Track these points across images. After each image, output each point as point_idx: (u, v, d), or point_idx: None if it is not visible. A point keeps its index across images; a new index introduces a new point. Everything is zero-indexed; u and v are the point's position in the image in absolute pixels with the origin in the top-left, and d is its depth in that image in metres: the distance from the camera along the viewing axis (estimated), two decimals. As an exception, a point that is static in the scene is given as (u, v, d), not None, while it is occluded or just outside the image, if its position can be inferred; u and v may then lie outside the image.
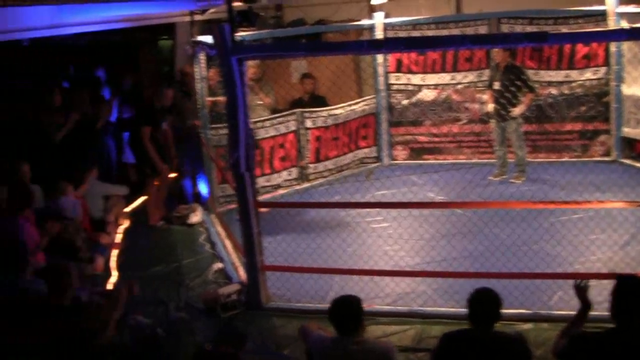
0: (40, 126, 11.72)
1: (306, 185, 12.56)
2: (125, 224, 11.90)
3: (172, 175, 12.57)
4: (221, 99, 11.09)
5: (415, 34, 12.80)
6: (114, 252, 10.62)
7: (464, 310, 5.56)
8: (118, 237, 11.31)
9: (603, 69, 12.64)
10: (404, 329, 7.62)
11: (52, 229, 9.44)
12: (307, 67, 13.21)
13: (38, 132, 11.68)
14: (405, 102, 13.41)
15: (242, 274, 9.02)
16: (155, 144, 11.48)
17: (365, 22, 12.88)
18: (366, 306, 6.99)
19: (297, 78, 13.28)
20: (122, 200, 12.05)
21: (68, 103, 12.37)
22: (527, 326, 7.35)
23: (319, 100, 12.84)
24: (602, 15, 12.21)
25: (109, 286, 9.07)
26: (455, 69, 13.12)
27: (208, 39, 9.50)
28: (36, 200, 9.76)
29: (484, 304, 5.57)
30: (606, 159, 12.89)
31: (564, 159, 12.97)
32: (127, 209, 12.31)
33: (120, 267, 10.09)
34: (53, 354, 6.25)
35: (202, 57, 11.25)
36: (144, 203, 12.44)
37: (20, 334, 7.05)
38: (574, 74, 12.79)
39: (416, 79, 13.28)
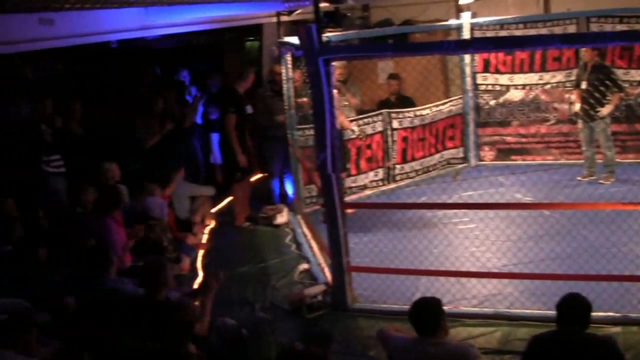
0: (135, 130, 11.89)
1: (392, 186, 12.51)
2: (212, 224, 12.01)
3: (259, 175, 12.66)
4: (306, 99, 11.18)
5: (503, 33, 12.66)
6: (200, 253, 10.73)
7: (551, 313, 5.50)
8: (204, 238, 11.42)
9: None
10: (490, 331, 7.55)
11: (138, 232, 9.57)
12: (394, 68, 13.17)
13: (130, 136, 11.87)
14: (492, 102, 13.28)
15: (327, 274, 9.02)
16: (240, 133, 11.62)
17: (452, 22, 12.79)
18: (452, 307, 6.97)
19: (384, 79, 13.25)
20: (209, 201, 12.16)
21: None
22: (616, 329, 7.20)
23: (406, 101, 12.79)
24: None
25: (196, 286, 9.16)
26: (543, 68, 12.93)
27: (294, 40, 9.52)
28: (123, 200, 9.92)
29: (574, 308, 5.49)
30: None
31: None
32: (214, 210, 12.43)
33: (206, 268, 10.19)
34: (151, 352, 6.33)
35: (288, 58, 11.29)
36: (230, 204, 12.54)
37: (115, 333, 7.19)
38: (666, 73, 12.51)
39: (504, 79, 13.13)
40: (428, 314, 5.88)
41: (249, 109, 11.75)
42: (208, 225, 11.97)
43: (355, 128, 11.77)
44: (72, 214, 10.15)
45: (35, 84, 13.15)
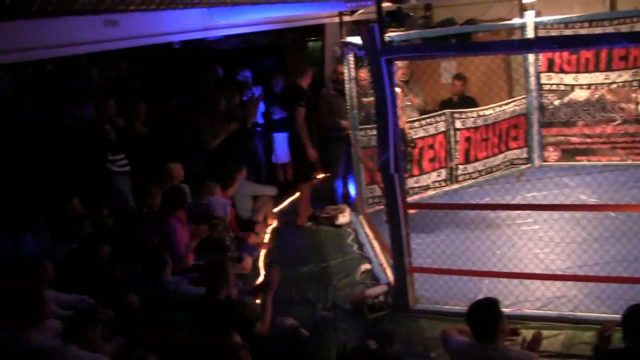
0: (198, 131, 11.98)
1: (455, 186, 12.43)
2: (274, 224, 12.06)
3: (321, 175, 12.68)
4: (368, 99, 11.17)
5: (568, 32, 12.48)
6: (262, 252, 10.78)
7: (616, 316, 5.40)
8: (266, 237, 11.47)
9: None
10: (554, 334, 7.48)
11: (202, 232, 9.63)
12: (457, 68, 13.10)
13: (194, 136, 11.95)
14: (557, 102, 13.10)
15: (389, 275, 9.02)
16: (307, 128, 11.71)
17: (515, 21, 12.66)
18: (515, 309, 6.90)
19: (447, 79, 13.18)
20: (271, 201, 12.21)
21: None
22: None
23: (468, 101, 12.71)
24: None
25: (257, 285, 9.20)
26: (609, 67, 12.71)
27: (357, 39, 9.52)
28: (186, 200, 10.00)
29: None
30: None
31: None
32: (276, 209, 12.47)
33: (268, 267, 10.23)
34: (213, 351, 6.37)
35: (350, 58, 11.29)
36: (294, 202, 12.58)
37: (177, 332, 7.25)
38: None
39: (568, 79, 12.95)
40: (485, 317, 5.83)
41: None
42: (270, 224, 12.03)
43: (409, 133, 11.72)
44: (137, 213, 10.27)
45: (100, 85, 13.31)
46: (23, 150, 10.95)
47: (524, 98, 13.00)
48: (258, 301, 8.01)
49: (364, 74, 11.38)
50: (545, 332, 7.47)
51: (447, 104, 12.61)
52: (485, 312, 5.88)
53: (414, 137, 11.84)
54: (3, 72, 13.82)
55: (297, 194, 12.48)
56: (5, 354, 6.38)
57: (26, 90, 13.78)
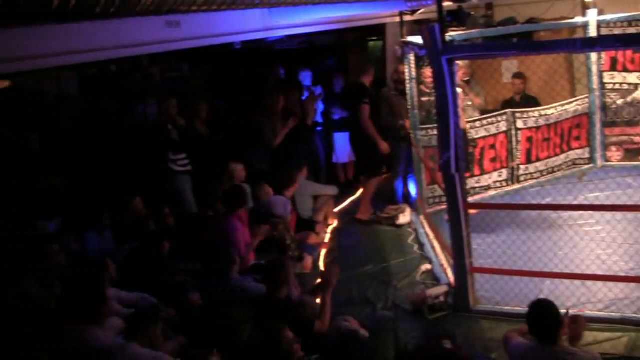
0: (260, 130, 12.05)
1: (517, 186, 12.37)
2: (334, 224, 12.08)
3: (384, 174, 12.68)
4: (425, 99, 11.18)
5: (631, 30, 12.33)
6: (323, 252, 10.81)
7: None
8: (327, 237, 11.50)
9: None
10: (617, 337, 7.41)
11: (264, 232, 9.68)
12: (519, 67, 13.01)
13: (256, 135, 12.04)
14: (620, 101, 12.96)
15: (450, 275, 9.00)
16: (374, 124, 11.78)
17: (578, 19, 12.54)
18: (577, 311, 6.84)
19: (508, 78, 13.10)
20: (332, 201, 12.23)
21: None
22: None
23: (530, 101, 12.63)
24: None
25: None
26: (674, 66, 12.59)
27: (417, 39, 9.50)
28: (248, 200, 10.08)
29: None
30: None
31: None
32: (336, 209, 12.49)
33: (328, 267, 10.25)
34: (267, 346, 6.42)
35: (411, 57, 11.27)
36: (354, 202, 12.60)
37: (238, 330, 7.32)
38: None
39: (632, 78, 12.80)
40: (545, 318, 5.80)
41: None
42: (331, 224, 12.06)
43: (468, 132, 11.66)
44: (198, 213, 10.37)
45: (162, 85, 13.46)
46: (87, 149, 11.09)
47: (586, 97, 12.89)
48: (318, 300, 8.04)
49: (428, 71, 11.37)
50: (607, 335, 7.44)
51: (509, 103, 12.54)
52: (545, 313, 5.85)
53: (475, 137, 11.80)
54: (70, 73, 14.04)
55: (360, 190, 12.54)
56: (68, 351, 6.49)
57: (90, 91, 13.96)
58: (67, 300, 7.17)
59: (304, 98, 13.66)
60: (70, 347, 6.48)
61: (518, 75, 12.81)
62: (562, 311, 6.17)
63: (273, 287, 7.41)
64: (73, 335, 6.52)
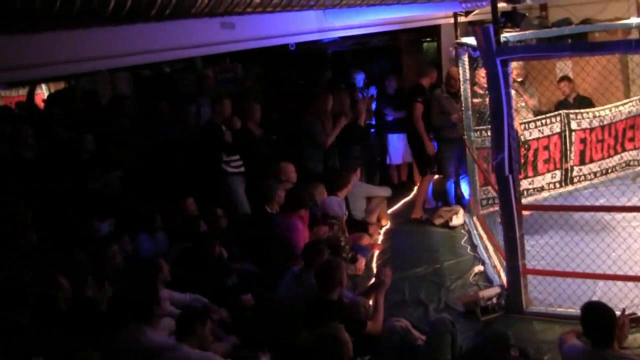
0: (311, 131, 12.11)
1: (570, 188, 12.29)
2: (387, 225, 12.10)
3: (436, 175, 12.70)
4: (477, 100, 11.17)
5: (687, 30, 12.24)
6: (376, 253, 10.84)
7: None
8: (380, 239, 11.53)
9: None
10: (670, 339, 7.36)
11: (322, 233, 9.74)
12: (572, 68, 12.94)
13: (308, 136, 12.10)
14: (675, 101, 12.85)
15: (503, 277, 8.99)
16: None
17: (633, 20, 12.42)
18: (630, 313, 6.80)
19: (561, 79, 13.06)
20: (385, 202, 12.25)
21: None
22: None
23: (584, 102, 12.56)
24: None
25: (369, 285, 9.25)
26: None
27: (471, 40, 9.50)
28: (309, 200, 10.17)
29: None
30: None
31: None
32: (390, 211, 12.50)
33: (380, 268, 10.28)
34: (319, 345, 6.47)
35: (465, 58, 11.26)
36: (413, 197, 12.62)
37: (290, 331, 7.36)
38: None
39: (688, 78, 12.70)
40: (598, 321, 5.77)
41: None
42: (384, 226, 12.08)
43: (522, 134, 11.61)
44: (251, 214, 10.44)
45: (216, 86, 13.55)
46: (142, 150, 11.21)
47: (640, 99, 12.78)
48: (370, 302, 8.08)
49: (483, 73, 11.36)
50: (661, 337, 7.38)
51: (562, 104, 12.48)
52: (599, 316, 5.83)
53: (529, 138, 11.75)
54: (126, 73, 14.20)
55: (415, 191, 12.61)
56: (121, 351, 6.59)
57: (145, 92, 14.10)
58: (120, 300, 7.26)
59: (357, 100, 13.71)
60: (123, 347, 6.58)
61: (564, 79, 12.76)
62: (617, 312, 6.15)
63: (326, 288, 7.45)
64: (126, 335, 6.62)
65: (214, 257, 8.71)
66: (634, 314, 6.56)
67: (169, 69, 15.81)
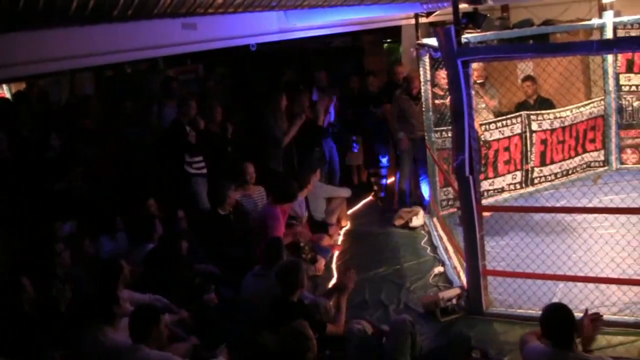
0: (269, 130, 12.10)
1: (530, 189, 12.32)
2: (347, 226, 12.09)
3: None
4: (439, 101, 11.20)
5: (648, 32, 12.33)
6: (336, 254, 10.83)
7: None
8: (340, 239, 11.52)
9: None
10: (631, 340, 7.41)
11: (294, 235, 9.72)
12: (534, 69, 12.98)
13: (268, 136, 12.08)
14: (636, 103, 12.90)
15: (463, 278, 9.01)
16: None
17: (594, 21, 12.50)
18: (593, 314, 6.82)
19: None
20: (345, 203, 12.24)
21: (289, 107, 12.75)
22: None
23: (545, 103, 12.58)
24: None
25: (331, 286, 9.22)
26: (690, 68, 12.53)
27: (433, 41, 9.50)
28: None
29: None
30: None
31: None
32: (349, 212, 12.49)
33: (342, 269, 10.28)
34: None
35: (426, 59, 11.27)
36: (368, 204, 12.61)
37: (252, 331, 7.34)
38: None
39: (648, 80, 12.79)
40: (560, 323, 5.78)
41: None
42: (344, 226, 12.07)
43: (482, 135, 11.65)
44: (210, 217, 10.40)
45: (177, 87, 13.49)
46: (106, 151, 11.15)
47: (602, 100, 12.85)
48: (331, 303, 8.06)
49: (443, 74, 11.39)
50: (621, 338, 7.43)
51: (523, 106, 12.48)
52: (560, 318, 5.83)
53: (490, 139, 11.77)
54: (89, 73, 14.10)
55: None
56: (81, 351, 6.54)
57: (108, 92, 14.03)
58: (81, 301, 7.23)
59: (316, 99, 13.73)
60: (85, 347, 6.54)
61: (528, 78, 12.77)
62: (578, 315, 6.16)
63: (287, 290, 7.41)
64: (88, 335, 6.58)
65: (179, 258, 8.67)
66: (597, 314, 6.56)
67: (130, 69, 15.70)
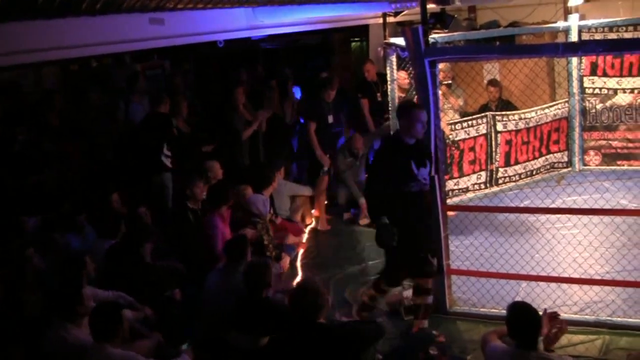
0: (229, 124, 12.09)
1: (495, 189, 12.38)
2: (312, 224, 12.10)
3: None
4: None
5: (612, 36, 12.41)
6: (300, 252, 10.84)
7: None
8: (304, 237, 11.52)
9: None
10: (591, 339, 7.52)
11: (250, 236, 9.69)
12: (500, 70, 13.05)
13: (228, 131, 12.06)
14: (599, 106, 13.03)
15: (427, 277, 9.04)
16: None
17: (560, 24, 12.60)
18: (551, 312, 6.89)
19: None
20: (309, 201, 12.25)
21: (258, 104, 12.74)
22: None
23: (506, 106, 12.66)
24: None
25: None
26: (653, 72, 12.66)
27: (400, 40, 9.54)
28: (230, 198, 10.09)
29: None
30: None
31: None
32: (314, 210, 12.49)
33: (306, 267, 10.31)
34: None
35: (393, 59, 11.31)
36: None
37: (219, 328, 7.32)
38: None
39: (611, 83, 12.86)
40: (524, 322, 5.82)
41: (330, 119, 11.94)
42: (308, 224, 12.07)
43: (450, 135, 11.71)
44: (176, 213, 10.37)
45: (144, 82, 13.44)
46: (74, 145, 11.08)
47: (566, 101, 12.96)
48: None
49: (404, 74, 11.44)
50: (582, 337, 7.53)
51: (486, 108, 12.51)
52: (524, 317, 5.87)
53: (456, 139, 11.83)
54: (54, 67, 13.99)
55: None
56: (45, 350, 6.50)
57: (74, 87, 13.94)
58: (45, 298, 7.18)
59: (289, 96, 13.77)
60: (49, 345, 6.49)
61: (493, 83, 12.82)
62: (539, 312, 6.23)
63: (255, 290, 7.37)
64: (51, 333, 6.53)
65: (142, 254, 8.62)
66: (555, 313, 6.63)
67: (95, 63, 15.60)
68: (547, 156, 13.00)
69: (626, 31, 12.39)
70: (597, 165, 13.14)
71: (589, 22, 12.54)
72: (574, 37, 12.41)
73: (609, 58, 12.62)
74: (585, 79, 12.95)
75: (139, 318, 7.66)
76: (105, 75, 14.48)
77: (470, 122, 12.01)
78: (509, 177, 12.53)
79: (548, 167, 13.05)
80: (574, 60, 12.64)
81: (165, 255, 9.45)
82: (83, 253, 8.25)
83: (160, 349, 7.16)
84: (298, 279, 9.88)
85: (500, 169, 12.42)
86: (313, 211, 12.27)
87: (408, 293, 8.58)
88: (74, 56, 10.70)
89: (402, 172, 7.64)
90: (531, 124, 12.60)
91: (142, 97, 12.36)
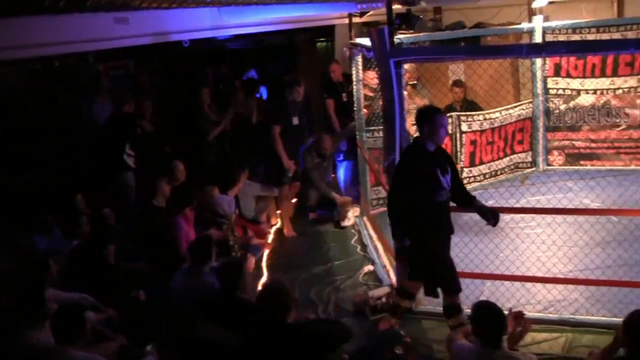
0: (195, 125, 12.07)
1: (460, 189, 12.43)
2: (277, 224, 12.08)
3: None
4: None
5: (575, 37, 12.52)
6: (266, 253, 10.82)
7: (616, 320, 5.44)
8: (270, 238, 11.50)
9: None
10: (554, 337, 7.57)
11: (216, 237, 9.65)
12: (465, 71, 13.11)
13: (194, 132, 12.04)
14: (563, 106, 13.15)
15: (392, 277, 9.06)
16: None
17: (524, 25, 12.69)
18: (516, 312, 6.94)
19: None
20: (274, 201, 12.22)
21: (224, 104, 12.71)
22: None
23: (470, 106, 12.73)
24: None
25: (260, 286, 9.18)
26: (615, 73, 12.73)
27: (366, 41, 9.56)
28: (194, 199, 10.05)
29: None
30: None
31: None
32: (279, 211, 12.47)
33: (271, 268, 10.30)
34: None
35: (359, 59, 11.32)
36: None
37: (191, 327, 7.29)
38: None
39: (575, 84, 12.99)
40: (489, 322, 5.84)
41: (296, 120, 11.91)
42: (274, 225, 12.05)
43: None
44: (142, 212, 10.31)
45: (108, 82, 13.38)
46: (40, 146, 11.02)
47: (530, 102, 13.06)
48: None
49: (372, 74, 11.45)
50: (545, 335, 7.59)
51: (449, 110, 12.54)
52: (489, 316, 5.89)
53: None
54: (15, 67, 13.87)
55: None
56: (7, 353, 6.42)
57: (36, 86, 13.83)
58: (6, 301, 7.08)
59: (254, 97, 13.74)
60: (8, 349, 6.40)
61: (457, 83, 12.89)
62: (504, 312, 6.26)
63: (229, 288, 7.34)
64: (11, 337, 6.44)
65: (106, 255, 8.56)
66: (520, 312, 6.67)
67: (58, 63, 15.50)
68: (512, 156, 13.12)
69: (589, 33, 12.52)
70: (560, 165, 13.28)
71: (553, 23, 12.65)
72: (538, 39, 12.53)
73: (572, 59, 12.75)
74: (549, 79, 13.08)
75: (102, 320, 7.60)
76: (69, 75, 14.38)
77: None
78: (474, 177, 12.62)
79: (512, 167, 13.16)
80: (538, 61, 12.75)
81: (131, 255, 9.39)
82: (48, 254, 8.18)
83: (124, 351, 7.12)
84: (264, 279, 9.86)
85: (465, 169, 12.50)
86: (278, 212, 12.23)
87: (374, 293, 8.60)
88: (36, 55, 10.60)
89: (430, 181, 7.39)
90: (496, 125, 12.69)
91: (105, 97, 12.29)
